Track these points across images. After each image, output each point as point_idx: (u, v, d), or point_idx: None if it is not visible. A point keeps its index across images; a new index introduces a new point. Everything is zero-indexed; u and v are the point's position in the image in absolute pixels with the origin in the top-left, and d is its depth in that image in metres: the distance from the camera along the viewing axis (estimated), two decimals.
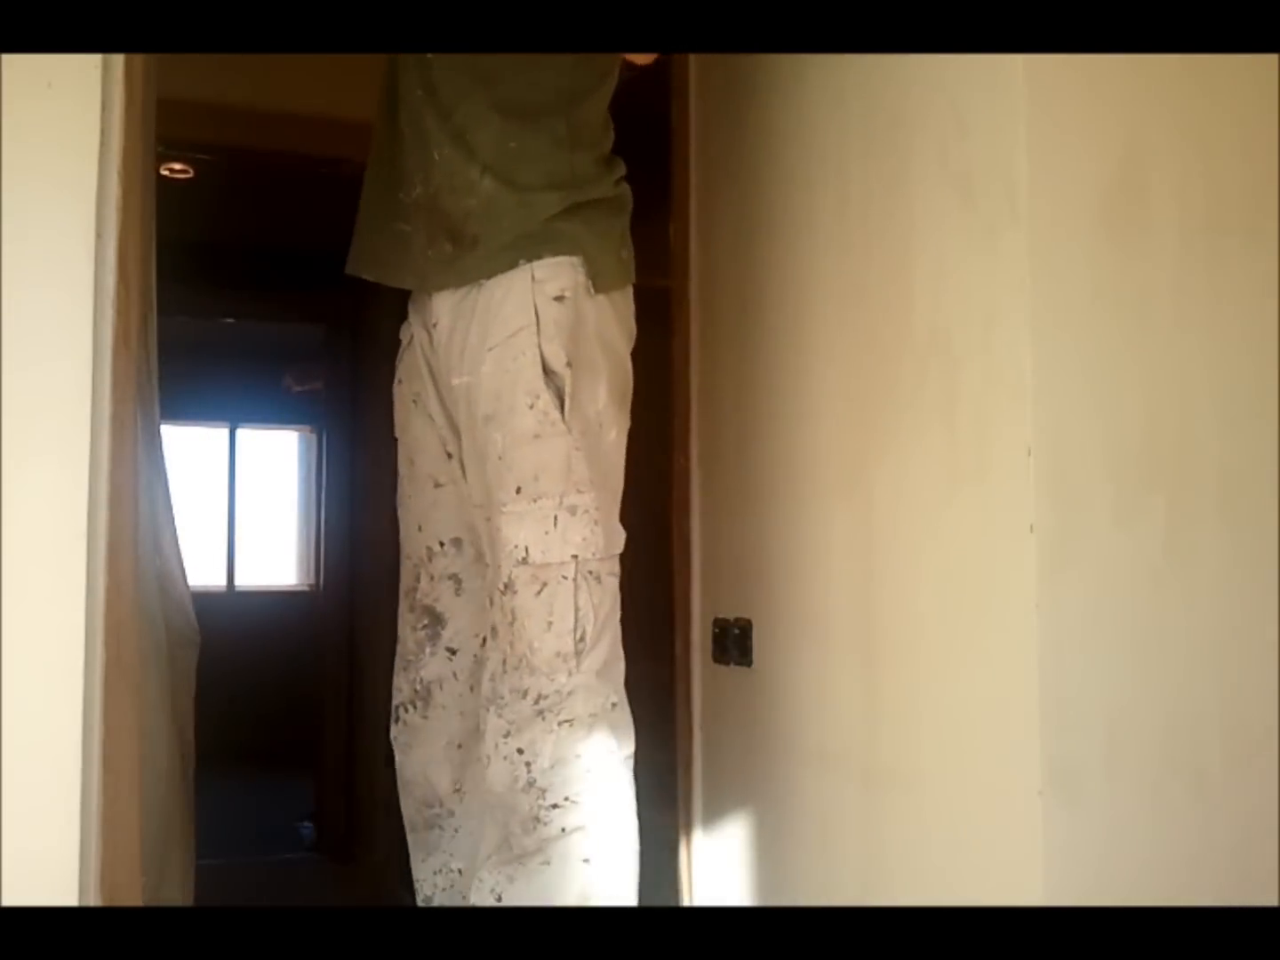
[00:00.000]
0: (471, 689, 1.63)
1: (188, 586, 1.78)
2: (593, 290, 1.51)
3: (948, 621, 1.45)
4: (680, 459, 2.06)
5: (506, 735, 1.43)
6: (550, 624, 1.43)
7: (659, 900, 2.25)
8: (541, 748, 1.42)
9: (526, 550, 1.44)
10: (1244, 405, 1.45)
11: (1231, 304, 1.45)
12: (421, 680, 1.68)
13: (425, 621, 1.69)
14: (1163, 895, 1.35)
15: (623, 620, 2.87)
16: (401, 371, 1.71)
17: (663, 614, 2.10)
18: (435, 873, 1.69)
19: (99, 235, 1.27)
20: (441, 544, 1.67)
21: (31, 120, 1.26)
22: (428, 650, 1.68)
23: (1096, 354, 1.38)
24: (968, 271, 1.43)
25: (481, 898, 1.45)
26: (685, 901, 1.99)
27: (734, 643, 1.90)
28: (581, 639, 1.45)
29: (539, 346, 1.45)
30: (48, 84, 1.26)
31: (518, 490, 1.45)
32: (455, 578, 1.66)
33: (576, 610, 1.44)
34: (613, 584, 1.50)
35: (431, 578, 1.69)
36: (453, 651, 1.66)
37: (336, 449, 4.71)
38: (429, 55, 1.54)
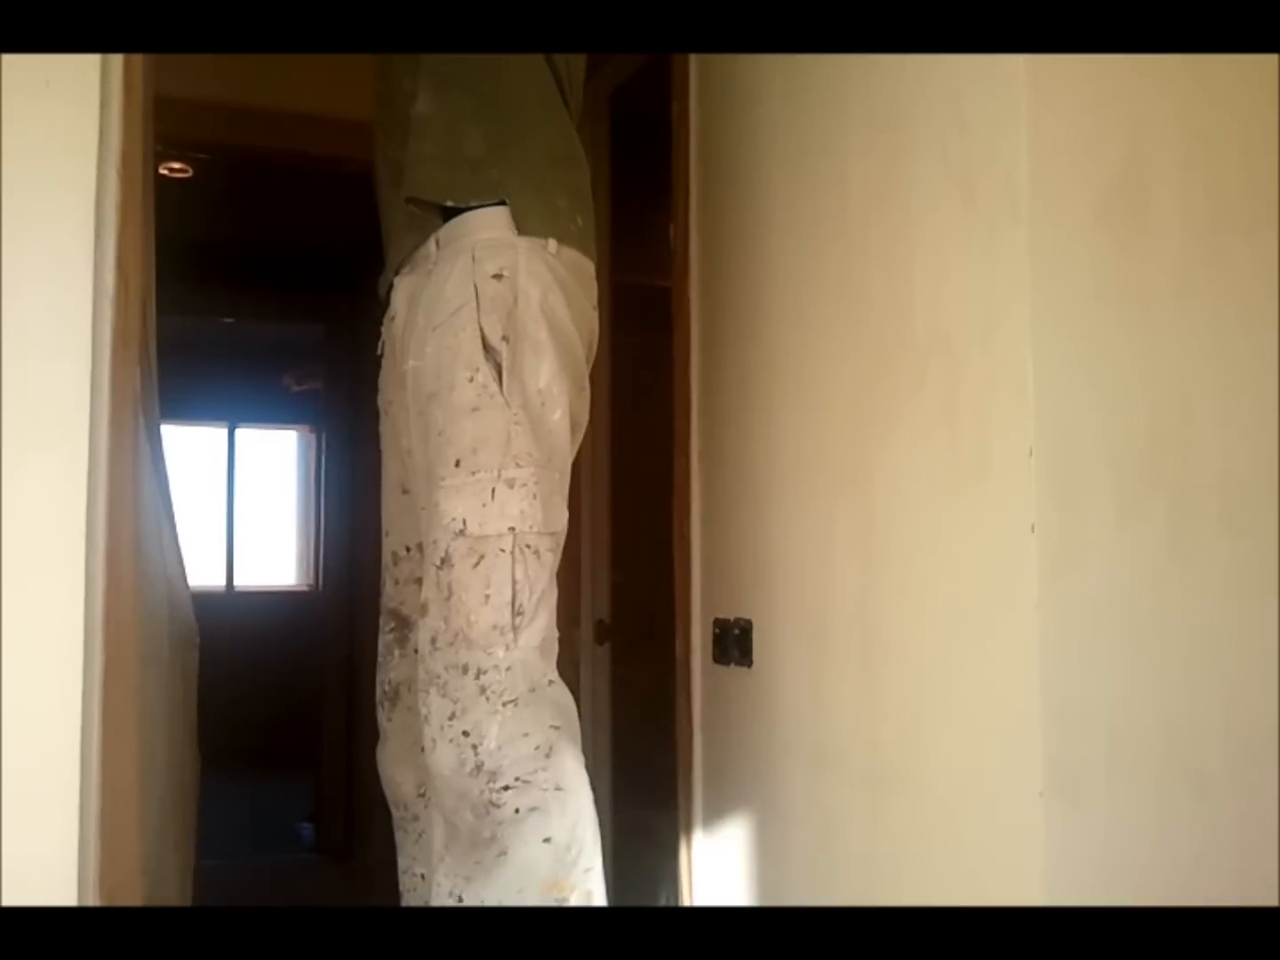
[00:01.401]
0: None
1: (188, 587, 1.78)
2: (518, 231, 1.49)
3: (948, 622, 1.45)
4: (680, 459, 2.06)
5: (452, 717, 1.41)
6: (487, 597, 1.42)
7: (659, 900, 2.25)
8: (487, 729, 1.40)
9: (464, 522, 1.43)
10: (1246, 405, 1.45)
11: (1232, 303, 1.45)
12: (390, 682, 1.69)
13: (392, 625, 1.70)
14: (1164, 895, 1.35)
15: (623, 620, 2.87)
16: (379, 381, 1.75)
17: (663, 614, 2.10)
18: (403, 873, 1.70)
19: (98, 234, 1.27)
20: (407, 549, 1.69)
21: (30, 119, 1.26)
22: (396, 653, 1.69)
23: (1098, 353, 1.38)
24: (968, 270, 1.43)
25: (441, 902, 1.43)
26: (685, 901, 1.99)
27: (734, 643, 1.90)
28: (519, 612, 1.43)
29: (478, 321, 1.45)
30: (46, 83, 1.26)
31: (456, 463, 1.44)
32: (420, 581, 1.66)
33: (514, 583, 1.42)
34: (551, 561, 1.48)
35: (396, 582, 1.70)
36: None
37: (336, 449, 4.72)
38: None
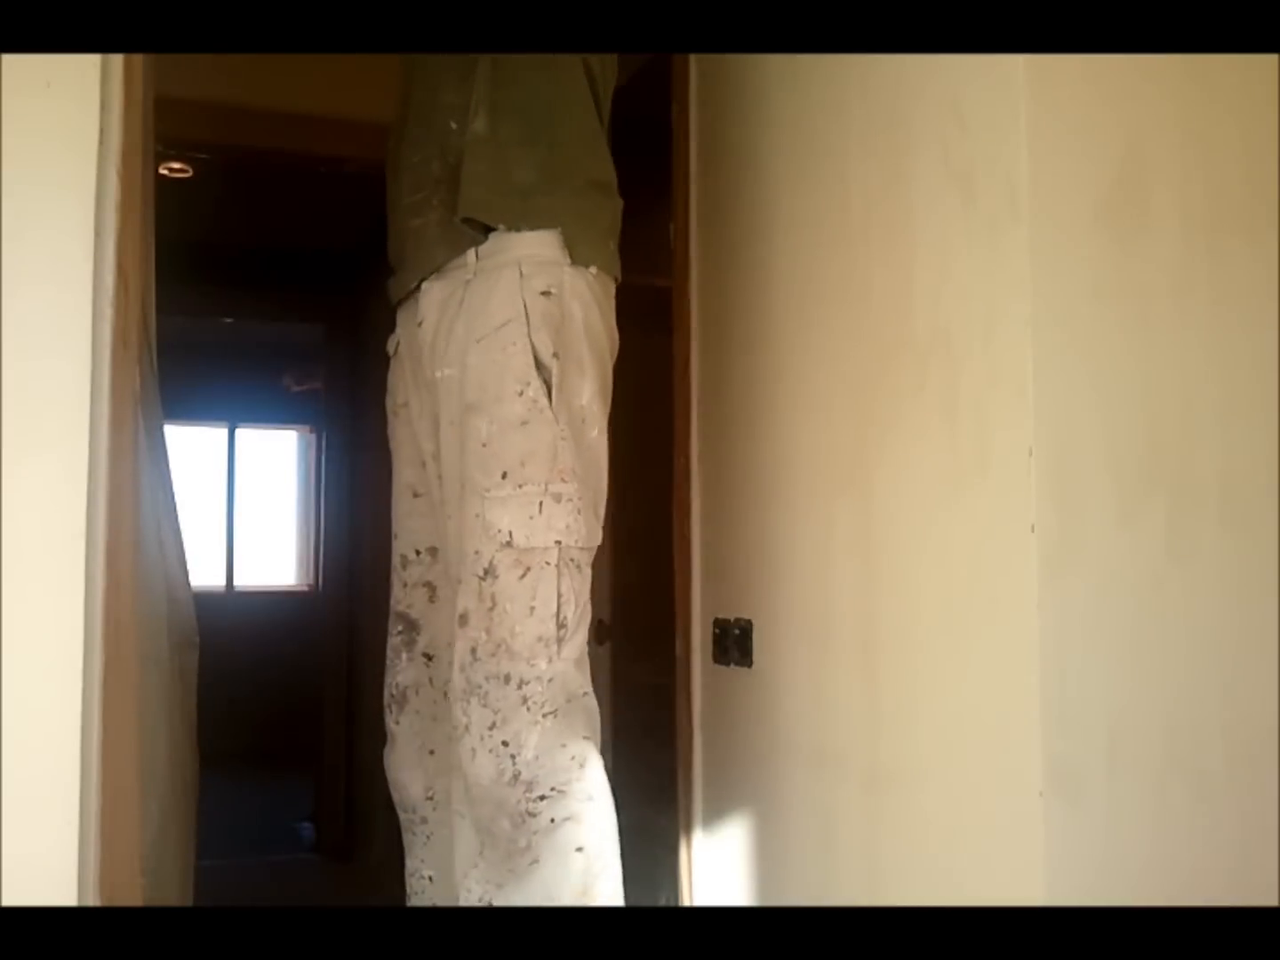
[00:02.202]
0: (446, 695, 1.62)
1: (190, 587, 1.77)
2: (570, 260, 1.52)
3: (949, 622, 1.45)
4: (680, 459, 2.06)
5: (492, 727, 1.42)
6: (533, 609, 1.43)
7: (659, 900, 2.25)
8: (527, 739, 1.41)
9: (510, 534, 1.44)
10: (1245, 404, 1.45)
11: (1232, 302, 1.45)
12: (398, 685, 1.70)
13: (400, 628, 1.71)
14: (1164, 895, 1.35)
15: (623, 620, 2.87)
16: (390, 382, 1.74)
17: (663, 614, 2.10)
18: (410, 875, 1.70)
19: (98, 234, 1.27)
20: (417, 552, 1.69)
21: (31, 120, 1.26)
22: (404, 656, 1.70)
23: (1097, 353, 1.38)
24: (968, 270, 1.43)
25: (469, 905, 1.45)
26: (685, 901, 1.99)
27: (734, 643, 1.90)
28: (563, 625, 1.44)
29: (529, 336, 1.47)
30: (47, 84, 1.26)
31: (503, 476, 1.45)
32: (429, 585, 1.67)
33: (559, 596, 1.44)
34: (589, 575, 1.51)
35: (405, 585, 1.71)
36: (429, 657, 1.67)
37: (336, 449, 4.71)
38: None
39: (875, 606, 1.58)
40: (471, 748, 1.43)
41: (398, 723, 1.69)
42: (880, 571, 1.57)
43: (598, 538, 1.52)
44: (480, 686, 1.43)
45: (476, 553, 1.45)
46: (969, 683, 1.41)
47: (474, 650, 1.44)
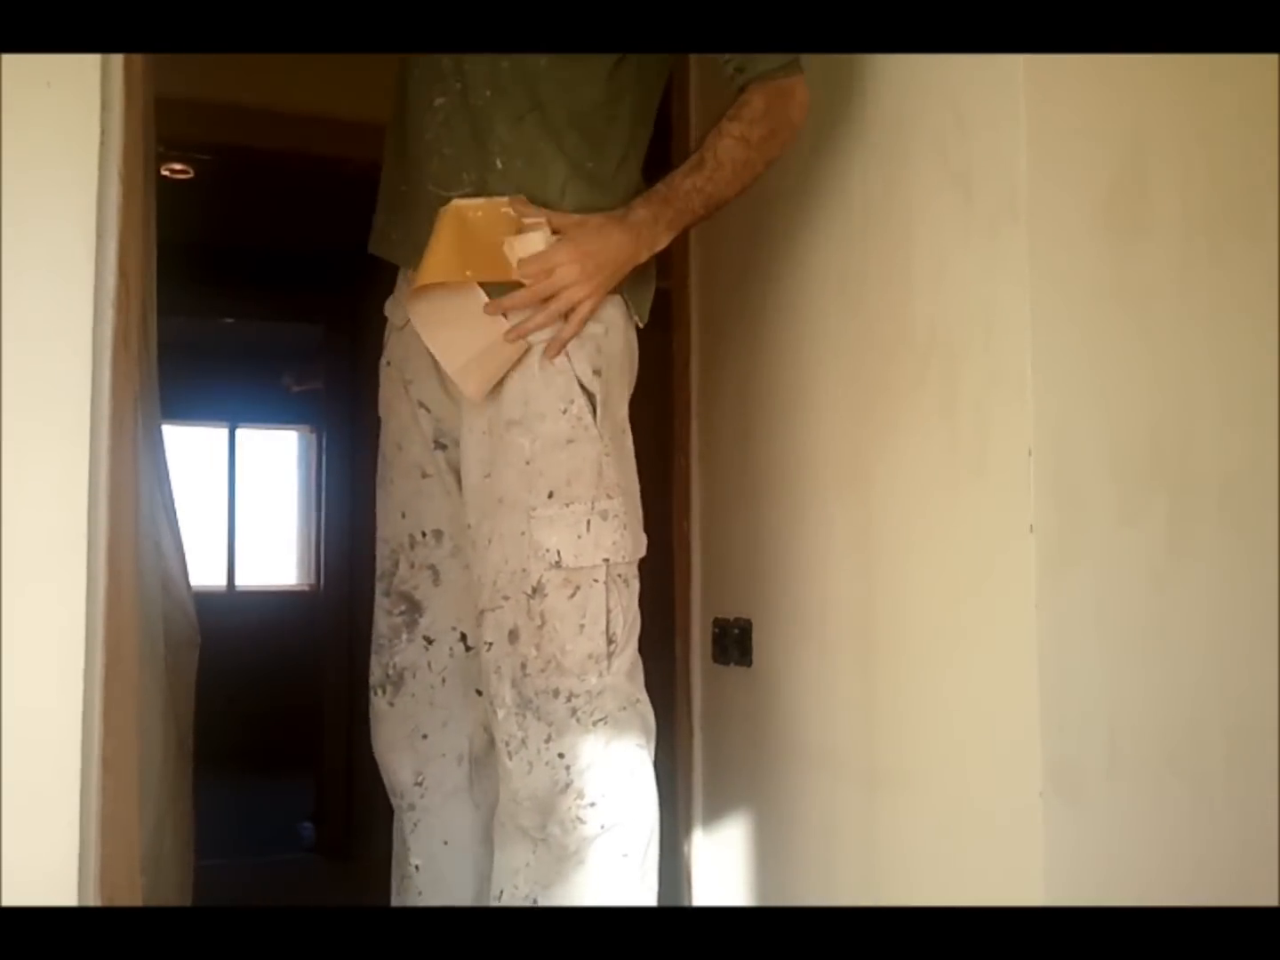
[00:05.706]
0: (444, 681, 1.63)
1: (189, 587, 1.77)
2: (638, 322, 1.54)
3: (948, 621, 1.45)
4: (680, 459, 2.06)
5: (548, 740, 1.43)
6: (582, 627, 1.44)
7: (659, 900, 2.25)
8: (580, 749, 1.43)
9: (559, 554, 1.44)
10: (1246, 403, 1.45)
11: (1233, 301, 1.45)
12: (395, 665, 1.66)
13: (403, 608, 1.67)
14: (1163, 895, 1.35)
15: None
16: (392, 353, 1.67)
17: (663, 614, 2.10)
18: (396, 858, 1.69)
19: (99, 235, 1.27)
20: (424, 534, 1.66)
21: (31, 120, 1.25)
22: (404, 636, 1.66)
23: (1097, 352, 1.38)
24: (968, 269, 1.43)
25: (515, 904, 1.45)
26: (685, 901, 1.99)
27: (734, 643, 1.90)
28: (612, 641, 1.46)
29: (568, 354, 1.46)
30: (47, 83, 1.26)
31: (550, 495, 1.44)
32: (434, 568, 1.65)
33: (608, 613, 1.45)
34: (637, 587, 1.51)
35: (412, 565, 1.67)
36: (429, 641, 1.65)
37: (336, 448, 4.71)
38: None
39: (874, 606, 1.58)
40: (528, 762, 1.43)
41: (391, 704, 1.66)
42: (879, 571, 1.57)
43: (643, 548, 1.52)
44: (532, 701, 1.44)
45: (524, 570, 1.44)
46: (969, 683, 1.41)
47: (524, 666, 1.44)
